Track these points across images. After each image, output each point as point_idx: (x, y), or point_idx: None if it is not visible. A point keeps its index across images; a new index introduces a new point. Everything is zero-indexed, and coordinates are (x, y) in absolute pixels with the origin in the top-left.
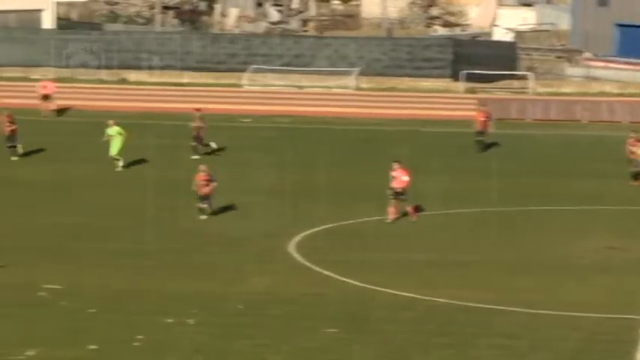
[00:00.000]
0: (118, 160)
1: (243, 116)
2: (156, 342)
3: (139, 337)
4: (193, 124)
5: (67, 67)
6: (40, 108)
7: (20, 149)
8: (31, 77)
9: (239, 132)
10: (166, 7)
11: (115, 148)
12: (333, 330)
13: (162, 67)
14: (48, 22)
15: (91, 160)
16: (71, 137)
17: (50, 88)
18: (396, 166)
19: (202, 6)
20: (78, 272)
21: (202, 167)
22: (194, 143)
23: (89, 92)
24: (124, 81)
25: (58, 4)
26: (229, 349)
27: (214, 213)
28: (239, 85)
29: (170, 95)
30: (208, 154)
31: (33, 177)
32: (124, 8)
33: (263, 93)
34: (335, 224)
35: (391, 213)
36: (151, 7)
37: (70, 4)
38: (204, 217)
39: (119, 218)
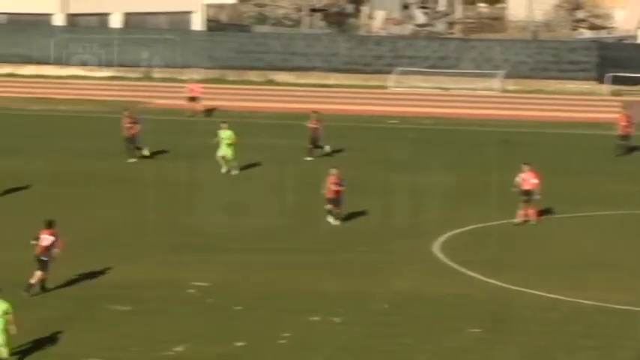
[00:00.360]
0: (230, 162)
1: (389, 117)
2: (302, 340)
3: (285, 334)
4: (310, 125)
5: (215, 68)
6: (184, 108)
7: (147, 151)
8: (181, 78)
9: (384, 133)
10: (314, 10)
11: (225, 150)
12: (477, 330)
13: (309, 69)
14: (198, 23)
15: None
16: (213, 137)
17: (197, 90)
18: (525, 168)
19: (349, 8)
20: (224, 270)
21: (333, 171)
22: (310, 145)
23: (236, 93)
24: (271, 82)
25: (208, 6)
26: (374, 348)
27: (356, 213)
28: (385, 87)
29: (315, 96)
30: (328, 154)
31: (175, 176)
32: (273, 10)
33: (408, 95)
34: (479, 225)
35: (531, 215)
36: (299, 10)
37: (219, 6)
38: (332, 221)
39: (261, 217)
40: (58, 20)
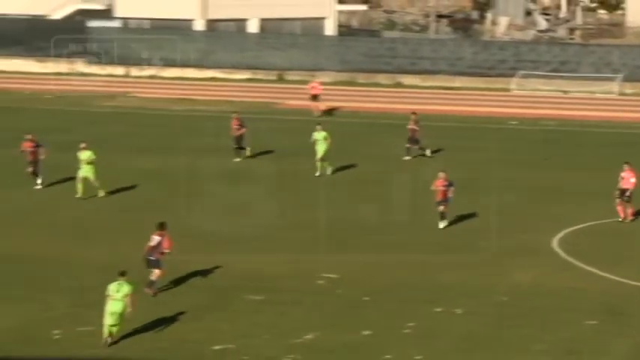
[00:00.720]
0: (324, 163)
1: (510, 119)
2: (425, 329)
3: (410, 324)
4: (409, 126)
5: (346, 71)
6: (310, 108)
7: (248, 152)
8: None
9: (505, 134)
10: (440, 16)
11: (320, 151)
12: (594, 322)
13: (435, 72)
14: (330, 29)
15: (365, 158)
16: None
17: (317, 88)
18: (626, 167)
19: (474, 14)
20: (353, 263)
21: (441, 174)
22: (408, 145)
23: (366, 95)
24: (399, 85)
25: (340, 12)
26: (494, 337)
27: (476, 210)
28: (507, 90)
29: (441, 98)
30: (427, 153)
31: (300, 173)
32: (401, 16)
33: (529, 97)
34: (596, 222)
35: (620, 212)
36: (426, 16)
37: (351, 13)
38: (443, 224)
39: (381, 214)
40: (199, 25)
